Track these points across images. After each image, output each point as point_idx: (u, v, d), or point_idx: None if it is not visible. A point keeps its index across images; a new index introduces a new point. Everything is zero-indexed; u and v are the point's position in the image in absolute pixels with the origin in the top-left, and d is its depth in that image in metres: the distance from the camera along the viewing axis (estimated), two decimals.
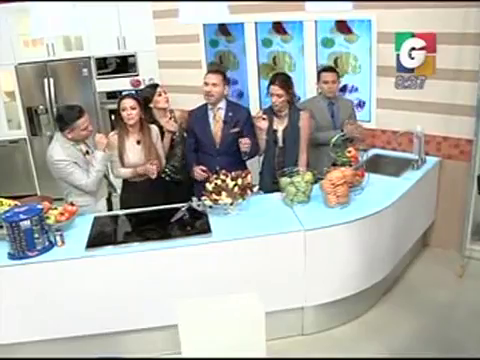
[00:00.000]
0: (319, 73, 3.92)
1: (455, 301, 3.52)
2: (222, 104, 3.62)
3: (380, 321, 3.35)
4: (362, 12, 3.93)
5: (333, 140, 3.33)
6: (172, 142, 3.83)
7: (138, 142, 3.49)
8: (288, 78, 3.59)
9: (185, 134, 3.87)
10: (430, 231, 4.20)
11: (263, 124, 3.51)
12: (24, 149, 5.72)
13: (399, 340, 3.16)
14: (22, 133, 5.65)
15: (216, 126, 3.61)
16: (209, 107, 3.63)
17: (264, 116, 3.50)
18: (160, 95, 3.79)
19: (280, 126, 3.60)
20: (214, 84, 3.52)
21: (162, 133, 3.73)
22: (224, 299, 1.89)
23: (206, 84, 3.54)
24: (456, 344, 3.08)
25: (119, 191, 3.75)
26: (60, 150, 3.29)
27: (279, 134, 3.60)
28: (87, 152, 3.44)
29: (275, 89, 3.49)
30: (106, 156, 3.41)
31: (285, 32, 4.55)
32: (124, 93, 4.79)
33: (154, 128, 3.62)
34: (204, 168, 3.59)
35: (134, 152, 3.48)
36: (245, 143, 3.48)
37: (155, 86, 3.88)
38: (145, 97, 3.78)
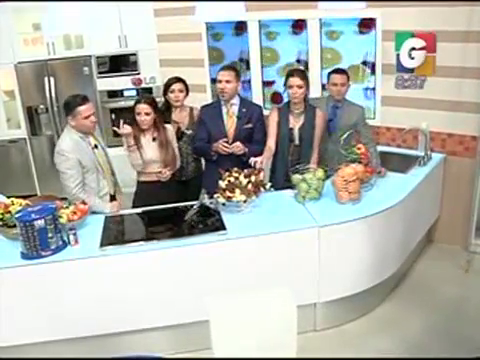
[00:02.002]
0: (329, 74, 3.80)
1: (463, 296, 3.56)
2: (235, 100, 3.65)
3: (390, 316, 3.38)
4: (367, 10, 3.94)
5: (343, 137, 3.34)
6: (178, 133, 3.81)
7: (154, 139, 3.49)
8: (304, 72, 3.64)
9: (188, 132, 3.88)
10: (434, 227, 4.24)
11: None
12: (24, 149, 5.66)
13: (410, 335, 3.20)
14: (22, 133, 5.60)
15: (229, 121, 3.64)
16: (222, 103, 3.66)
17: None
18: (172, 92, 3.81)
19: (296, 124, 3.61)
20: (227, 81, 3.54)
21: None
22: (255, 294, 1.90)
23: (220, 81, 3.57)
24: (467, 338, 3.12)
25: (124, 190, 3.74)
26: (69, 142, 3.26)
27: (295, 132, 3.61)
28: (96, 146, 3.40)
29: (295, 80, 3.48)
30: (107, 212, 3.35)
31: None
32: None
33: (169, 128, 3.62)
34: (226, 140, 3.54)
35: (150, 148, 3.48)
36: (237, 147, 3.49)
37: (176, 80, 3.84)
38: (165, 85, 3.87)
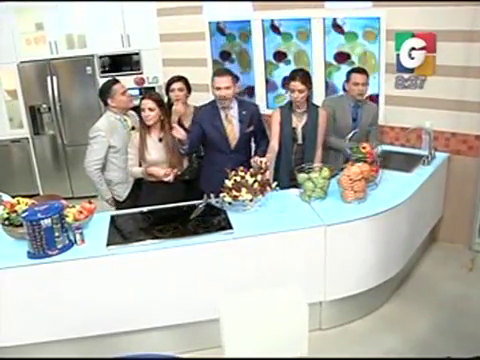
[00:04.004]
0: (349, 73, 3.77)
1: (466, 294, 3.57)
2: (233, 103, 3.57)
3: (395, 315, 3.39)
4: (372, 10, 3.96)
5: (348, 136, 3.35)
6: (179, 124, 3.77)
7: (160, 139, 3.48)
8: (307, 74, 3.60)
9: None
10: (438, 226, 4.25)
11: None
12: (26, 148, 5.67)
13: (414, 333, 3.21)
14: (24, 132, 5.61)
15: (229, 126, 3.55)
16: (220, 106, 3.54)
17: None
18: (172, 91, 3.86)
19: (299, 123, 3.61)
20: (227, 87, 3.44)
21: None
22: (267, 293, 1.90)
23: (219, 89, 3.44)
24: (471, 336, 3.13)
25: None
26: (105, 122, 3.56)
27: (298, 131, 3.61)
28: (133, 128, 3.63)
29: (296, 85, 3.48)
30: (105, 198, 3.67)
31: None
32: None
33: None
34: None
35: (156, 149, 3.47)
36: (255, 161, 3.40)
37: (176, 79, 3.89)
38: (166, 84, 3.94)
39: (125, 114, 3.69)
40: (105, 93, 3.60)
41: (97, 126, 3.54)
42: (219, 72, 3.58)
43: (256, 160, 3.25)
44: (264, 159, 3.26)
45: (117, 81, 3.67)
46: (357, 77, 3.70)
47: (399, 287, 3.66)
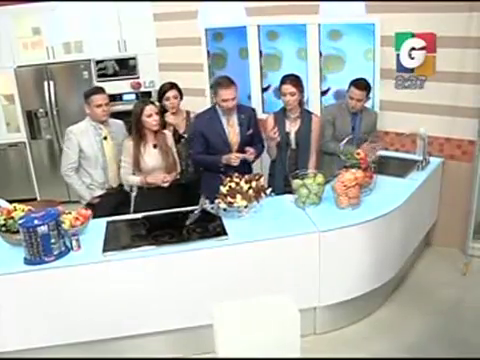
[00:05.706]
0: (350, 84, 3.76)
1: (461, 298, 3.60)
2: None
3: (390, 319, 3.41)
4: (366, 16, 3.98)
5: (342, 143, 3.37)
6: (175, 135, 3.81)
7: (154, 146, 3.50)
8: (298, 78, 3.61)
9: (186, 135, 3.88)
10: (432, 230, 4.28)
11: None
12: (23, 152, 5.69)
13: (410, 337, 3.23)
14: (21, 136, 5.63)
15: (231, 131, 3.58)
16: (221, 113, 3.57)
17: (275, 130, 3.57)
18: (168, 100, 3.86)
19: (292, 128, 3.64)
20: (233, 98, 3.47)
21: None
22: (259, 301, 1.93)
23: (226, 100, 3.45)
24: (465, 340, 3.15)
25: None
26: (80, 125, 3.61)
27: (292, 136, 3.64)
28: (105, 138, 3.62)
29: (287, 88, 3.51)
30: (86, 200, 3.66)
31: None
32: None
33: (168, 133, 3.65)
34: (239, 155, 3.50)
35: (151, 156, 3.49)
36: (251, 154, 3.51)
37: (169, 87, 3.89)
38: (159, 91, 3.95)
39: (102, 123, 3.63)
40: (84, 98, 3.60)
41: (70, 128, 3.60)
42: (224, 84, 3.47)
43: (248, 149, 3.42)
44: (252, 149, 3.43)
45: (99, 91, 3.62)
46: (353, 92, 3.71)
47: (394, 292, 3.69)
